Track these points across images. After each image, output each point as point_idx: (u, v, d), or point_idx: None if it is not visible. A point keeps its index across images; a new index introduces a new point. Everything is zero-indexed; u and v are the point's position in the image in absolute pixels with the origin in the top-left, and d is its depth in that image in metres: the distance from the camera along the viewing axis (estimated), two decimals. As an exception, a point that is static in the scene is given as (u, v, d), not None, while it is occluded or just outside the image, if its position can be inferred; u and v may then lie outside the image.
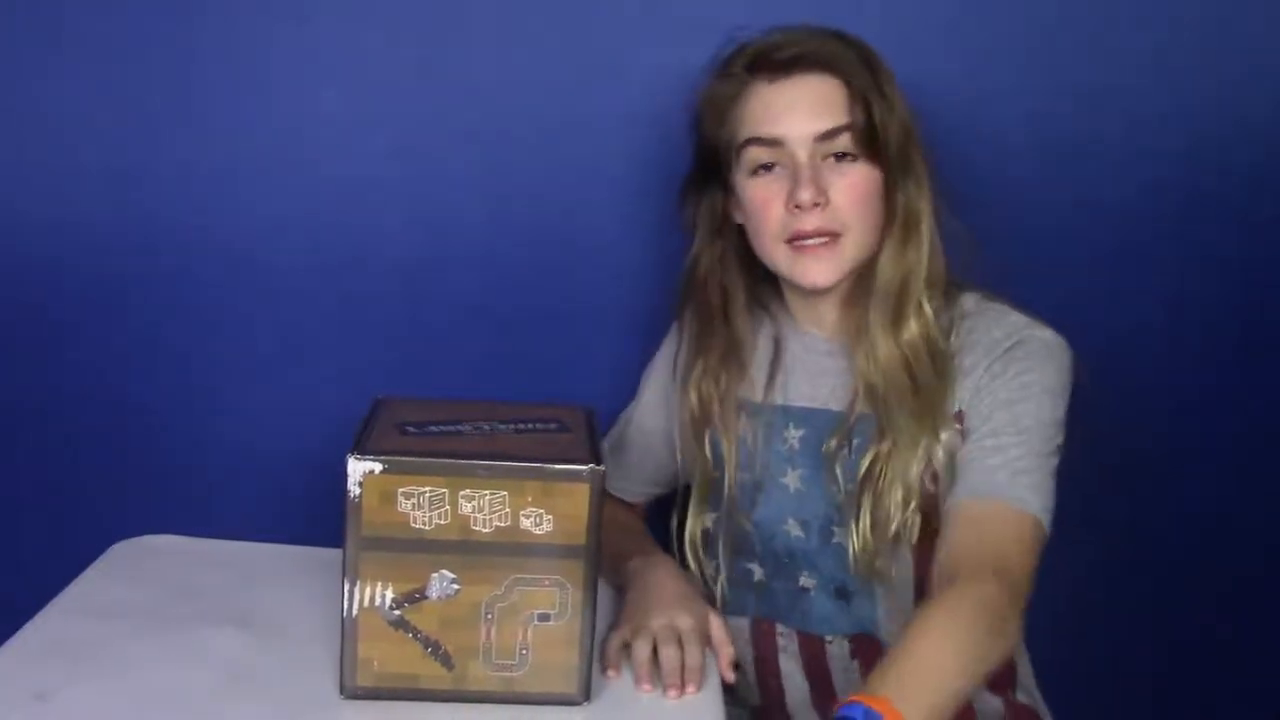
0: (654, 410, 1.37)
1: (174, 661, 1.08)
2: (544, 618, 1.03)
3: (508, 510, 1.00)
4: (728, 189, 1.24)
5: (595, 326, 1.45)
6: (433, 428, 1.07)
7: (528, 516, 1.01)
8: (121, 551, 1.30)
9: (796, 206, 1.16)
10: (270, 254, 1.42)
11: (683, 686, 1.08)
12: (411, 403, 1.12)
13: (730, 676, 1.14)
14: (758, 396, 1.27)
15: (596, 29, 1.40)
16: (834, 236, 1.17)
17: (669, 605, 1.14)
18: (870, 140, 1.17)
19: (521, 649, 1.03)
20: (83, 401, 1.46)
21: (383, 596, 1.01)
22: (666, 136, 1.39)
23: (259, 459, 1.45)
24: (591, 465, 1.01)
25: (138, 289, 1.43)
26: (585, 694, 1.05)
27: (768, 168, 1.19)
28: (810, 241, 1.17)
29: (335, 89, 1.40)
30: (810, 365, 1.27)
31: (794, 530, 1.25)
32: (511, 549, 1.01)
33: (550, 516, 1.01)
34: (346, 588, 1.01)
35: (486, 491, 1.00)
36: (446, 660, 1.03)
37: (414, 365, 1.43)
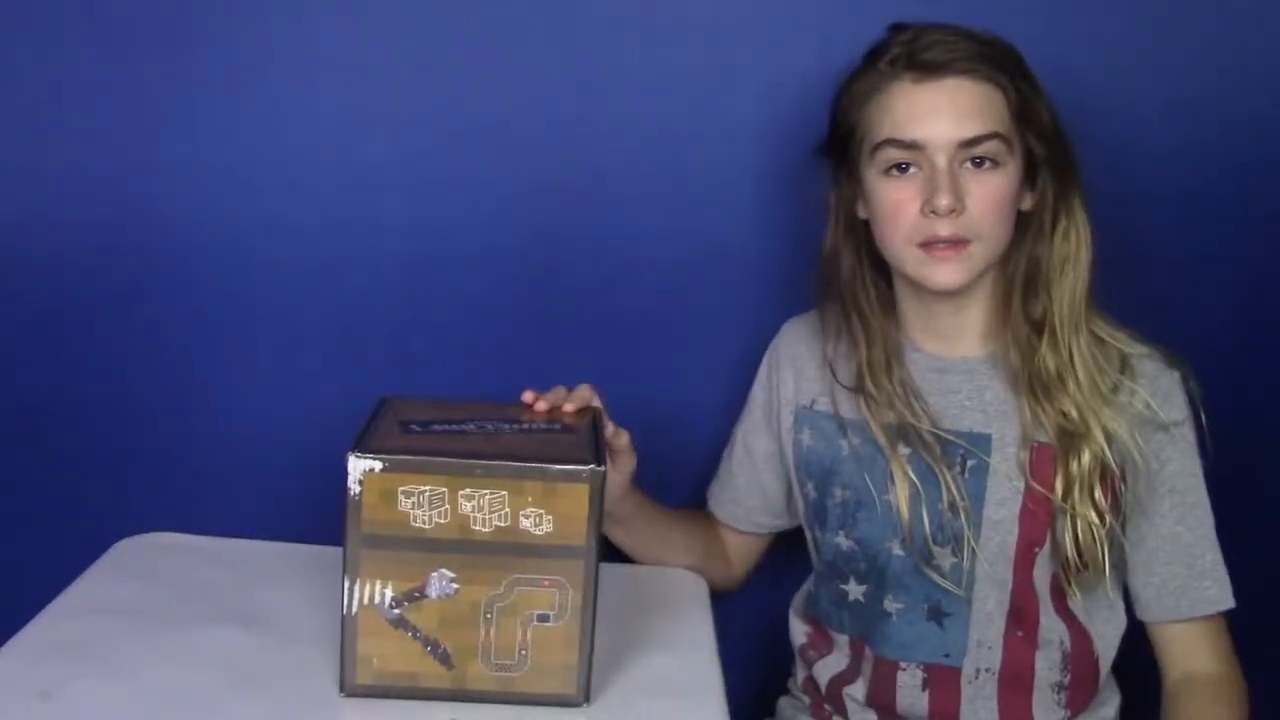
0: (761, 430, 1.35)
1: (176, 660, 1.09)
2: (543, 618, 1.02)
3: (507, 510, 1.00)
4: (854, 180, 1.21)
5: (595, 326, 1.44)
6: (436, 426, 1.07)
7: (527, 517, 1.00)
8: (125, 549, 1.31)
9: (932, 211, 1.14)
10: (270, 254, 1.42)
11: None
12: (416, 402, 1.12)
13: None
14: (859, 412, 1.25)
15: (596, 29, 1.39)
16: (964, 243, 1.16)
17: None
18: (1011, 147, 1.15)
19: (521, 649, 1.03)
20: (83, 400, 1.46)
21: (382, 595, 1.01)
22: (666, 137, 1.39)
23: (260, 457, 1.45)
24: (592, 466, 1.01)
25: (138, 288, 1.43)
26: (585, 695, 1.04)
27: (902, 168, 1.16)
28: (942, 245, 1.16)
29: (335, 89, 1.40)
30: (926, 382, 1.24)
31: (895, 549, 1.23)
32: (511, 549, 1.01)
33: (550, 517, 1.00)
34: (346, 585, 1.01)
35: (486, 491, 1.00)
36: (446, 659, 1.03)
37: (414, 365, 1.43)
